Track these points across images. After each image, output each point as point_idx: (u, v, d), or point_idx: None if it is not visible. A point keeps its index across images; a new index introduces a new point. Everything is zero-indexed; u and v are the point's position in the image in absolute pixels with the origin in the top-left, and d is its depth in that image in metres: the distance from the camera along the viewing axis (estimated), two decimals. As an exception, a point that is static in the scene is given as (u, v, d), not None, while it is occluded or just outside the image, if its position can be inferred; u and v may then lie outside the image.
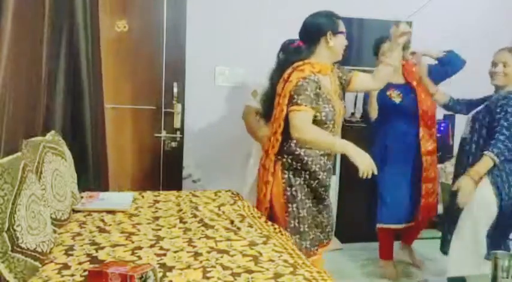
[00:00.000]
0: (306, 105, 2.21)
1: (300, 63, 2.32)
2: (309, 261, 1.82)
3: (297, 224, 2.34)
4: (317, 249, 2.43)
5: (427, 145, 3.29)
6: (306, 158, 2.33)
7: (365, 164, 2.10)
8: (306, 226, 2.36)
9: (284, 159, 2.35)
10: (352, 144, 2.17)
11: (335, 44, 2.35)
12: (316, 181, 2.37)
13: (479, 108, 2.85)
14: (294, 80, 2.25)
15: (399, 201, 3.29)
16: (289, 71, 2.33)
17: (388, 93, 3.34)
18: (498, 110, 2.67)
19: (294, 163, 2.34)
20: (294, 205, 2.34)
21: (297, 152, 2.33)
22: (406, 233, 3.57)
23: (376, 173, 2.13)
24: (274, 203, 2.39)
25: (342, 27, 2.38)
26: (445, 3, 4.14)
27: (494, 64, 2.81)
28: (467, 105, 3.06)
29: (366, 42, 4.04)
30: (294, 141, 2.31)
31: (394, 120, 3.31)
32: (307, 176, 2.36)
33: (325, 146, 2.28)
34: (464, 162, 2.83)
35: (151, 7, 3.42)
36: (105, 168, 3.02)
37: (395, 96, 3.33)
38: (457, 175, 2.88)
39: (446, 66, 3.25)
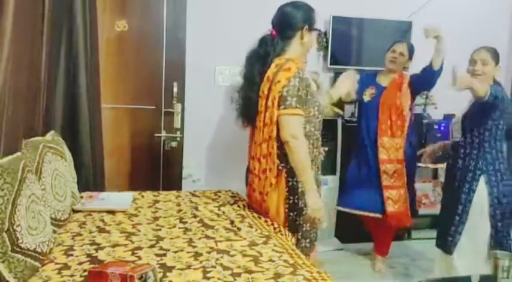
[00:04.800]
0: (299, 108, 2.12)
1: (282, 60, 2.18)
2: (309, 262, 1.82)
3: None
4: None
5: (390, 153, 3.31)
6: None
7: (316, 207, 2.10)
8: (300, 234, 2.28)
9: (289, 166, 2.18)
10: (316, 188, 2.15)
11: (308, 40, 2.27)
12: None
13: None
14: (283, 80, 2.11)
15: (360, 189, 3.41)
16: (273, 70, 2.18)
17: (365, 91, 3.44)
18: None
19: None
20: (294, 213, 2.25)
21: None
22: (376, 242, 3.59)
23: (323, 223, 2.15)
24: (269, 210, 2.26)
25: (316, 24, 2.31)
26: (445, 3, 4.14)
27: (473, 62, 2.77)
28: None
29: (366, 42, 4.04)
30: None
31: (362, 117, 3.49)
32: None
33: (304, 164, 2.12)
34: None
35: (151, 7, 3.42)
36: (101, 169, 3.01)
37: (367, 95, 3.44)
38: None
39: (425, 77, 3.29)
